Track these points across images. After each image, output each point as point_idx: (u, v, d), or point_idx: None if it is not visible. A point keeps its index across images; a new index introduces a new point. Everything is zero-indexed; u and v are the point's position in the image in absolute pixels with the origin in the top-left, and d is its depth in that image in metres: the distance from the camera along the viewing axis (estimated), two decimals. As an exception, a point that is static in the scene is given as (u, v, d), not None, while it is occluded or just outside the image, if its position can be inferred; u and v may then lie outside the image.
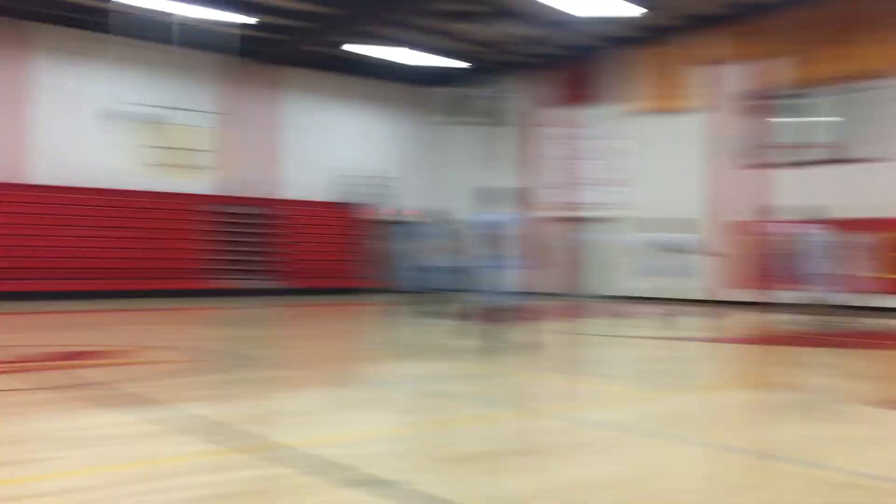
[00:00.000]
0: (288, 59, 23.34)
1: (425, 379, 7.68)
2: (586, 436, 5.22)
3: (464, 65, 23.96)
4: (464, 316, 11.66)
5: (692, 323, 14.02)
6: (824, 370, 8.68)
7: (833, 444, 4.88)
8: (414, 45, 22.12)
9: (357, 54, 22.57)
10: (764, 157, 15.02)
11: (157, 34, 19.99)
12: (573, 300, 20.01)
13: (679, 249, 12.00)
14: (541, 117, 24.02)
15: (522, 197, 9.67)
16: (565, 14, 18.19)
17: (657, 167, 21.01)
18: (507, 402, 6.60)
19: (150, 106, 20.66)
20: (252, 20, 19.26)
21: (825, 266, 13.12)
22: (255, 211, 22.55)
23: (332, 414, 5.80)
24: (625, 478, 4.12)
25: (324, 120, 24.79)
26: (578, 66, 22.83)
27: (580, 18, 18.49)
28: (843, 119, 14.36)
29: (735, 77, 19.38)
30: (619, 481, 4.05)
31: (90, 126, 20.14)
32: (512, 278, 9.18)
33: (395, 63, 23.48)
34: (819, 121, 14.64)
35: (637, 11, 17.91)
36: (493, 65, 24.16)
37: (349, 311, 17.71)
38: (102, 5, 18.32)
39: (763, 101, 15.30)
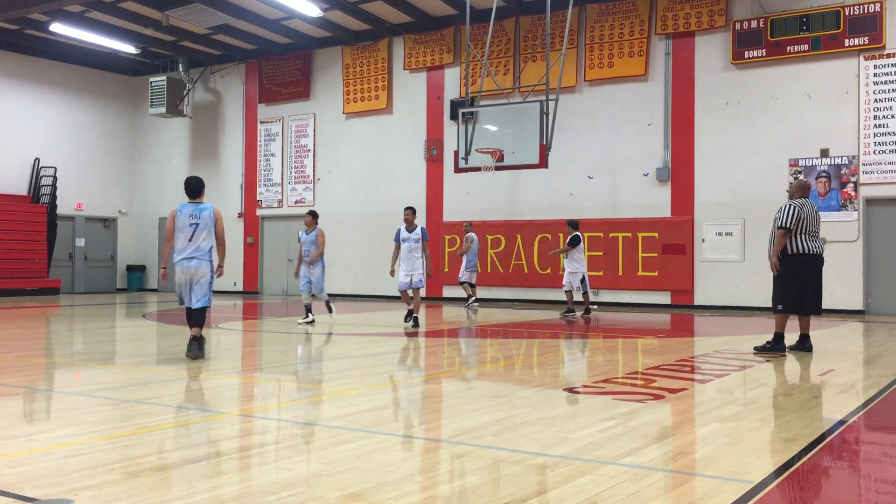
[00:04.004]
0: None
1: (106, 387, 7.06)
2: (277, 435, 5.08)
3: (168, 54, 23.06)
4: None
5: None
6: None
7: (507, 426, 5.19)
8: (116, 32, 20.80)
9: (54, 35, 20.66)
10: (469, 161, 15.96)
11: None
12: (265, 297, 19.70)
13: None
14: (249, 112, 23.54)
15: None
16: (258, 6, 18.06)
17: (372, 167, 21.44)
18: (194, 405, 6.25)
19: None
20: None
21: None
22: None
23: (0, 430, 5.10)
24: (315, 473, 4.04)
25: (6, 104, 22.23)
26: (286, 62, 22.66)
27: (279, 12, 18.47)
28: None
29: (443, 83, 20.36)
30: (303, 478, 3.96)
31: None
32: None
33: (96, 48, 21.91)
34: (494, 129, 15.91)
35: (314, 11, 18.46)
36: (193, 56, 23.40)
37: (28, 315, 15.94)
38: None
39: (467, 108, 16.22)
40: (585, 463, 4.20)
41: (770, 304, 9.49)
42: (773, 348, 9.18)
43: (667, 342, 10.94)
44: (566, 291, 15.11)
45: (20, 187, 22.37)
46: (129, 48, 22.07)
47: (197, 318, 8.52)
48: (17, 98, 22.56)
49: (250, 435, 5.07)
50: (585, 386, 6.95)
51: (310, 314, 13.17)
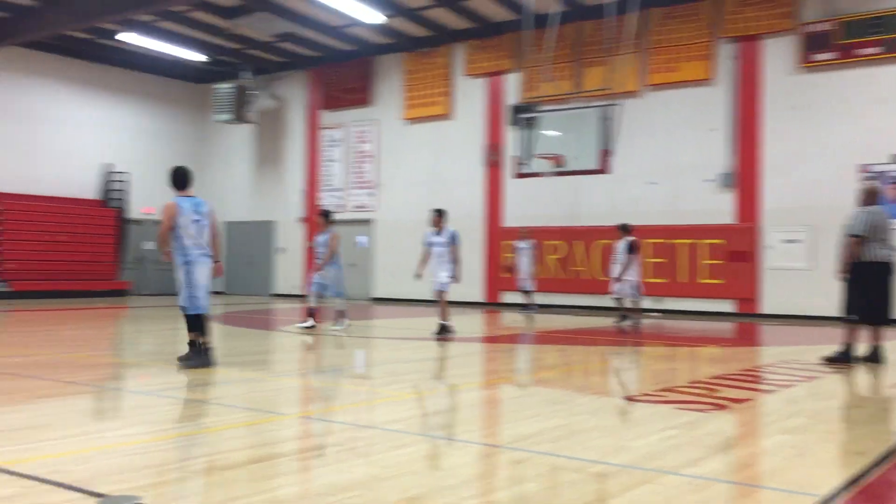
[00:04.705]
0: (43, 45, 21.50)
1: (172, 387, 7.23)
2: (336, 438, 5.13)
3: (233, 62, 23.60)
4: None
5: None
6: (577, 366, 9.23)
7: (564, 433, 5.15)
8: (184, 41, 21.42)
9: (125, 44, 21.36)
10: (530, 166, 15.92)
11: None
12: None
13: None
14: (311, 119, 23.88)
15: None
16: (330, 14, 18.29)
17: (432, 172, 21.54)
18: (255, 407, 6.36)
19: None
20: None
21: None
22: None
23: (71, 427, 5.27)
24: (374, 477, 4.08)
25: (79, 111, 22.99)
26: (348, 68, 22.92)
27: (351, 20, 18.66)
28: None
29: (503, 88, 20.37)
30: (367, 480, 4.00)
31: None
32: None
33: (165, 56, 22.57)
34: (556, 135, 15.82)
35: (378, 18, 18.59)
36: (258, 63, 23.84)
37: (98, 316, 16.42)
38: None
39: (526, 114, 16.21)
40: (645, 472, 4.14)
41: (839, 314, 9.23)
42: (842, 359, 8.92)
43: (730, 351, 10.72)
44: (616, 299, 14.30)
45: (91, 192, 23.08)
46: (197, 56, 22.60)
47: (207, 323, 8.12)
48: (89, 105, 23.29)
49: (309, 437, 5.13)
50: (645, 394, 6.85)
51: (310, 318, 12.33)
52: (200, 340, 7.97)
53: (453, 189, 20.90)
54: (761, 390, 7.23)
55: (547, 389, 7.32)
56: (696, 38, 17.75)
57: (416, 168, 21.69)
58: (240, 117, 23.50)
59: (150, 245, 24.73)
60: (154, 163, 24.88)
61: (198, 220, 7.99)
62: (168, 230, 7.96)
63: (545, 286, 19.19)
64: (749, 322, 15.98)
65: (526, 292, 17.39)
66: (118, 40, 21.18)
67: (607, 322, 15.41)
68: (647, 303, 17.87)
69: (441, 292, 11.74)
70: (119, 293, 22.29)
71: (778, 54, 16.98)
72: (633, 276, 14.15)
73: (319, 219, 12.73)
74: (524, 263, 17.30)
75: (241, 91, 23.50)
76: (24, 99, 21.78)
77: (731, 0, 17.34)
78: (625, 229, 14.36)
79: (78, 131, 22.92)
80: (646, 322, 14.64)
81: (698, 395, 6.77)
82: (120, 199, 23.36)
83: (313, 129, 23.80)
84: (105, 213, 22.81)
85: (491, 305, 19.71)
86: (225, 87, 23.31)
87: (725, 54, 17.57)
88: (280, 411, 6.13)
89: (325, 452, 4.69)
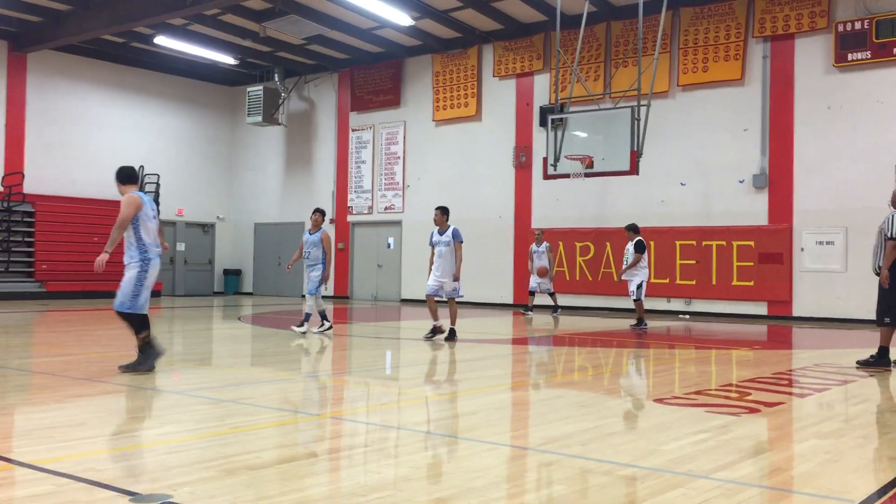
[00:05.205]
0: (78, 49, 21.87)
1: (203, 387, 7.30)
2: (365, 438, 5.15)
3: (264, 64, 23.85)
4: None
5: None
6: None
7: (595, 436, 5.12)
8: (216, 44, 21.67)
9: (158, 48, 21.63)
10: (558, 167, 15.85)
11: None
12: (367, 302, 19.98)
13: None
14: (341, 120, 24.00)
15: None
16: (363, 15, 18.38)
17: (461, 174, 21.55)
18: (285, 407, 6.40)
19: None
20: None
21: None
22: (21, 208, 20.76)
23: (104, 426, 5.34)
24: (403, 477, 4.09)
25: (112, 114, 23.31)
26: (377, 70, 23.00)
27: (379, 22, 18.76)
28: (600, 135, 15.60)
29: (532, 89, 20.32)
30: (396, 481, 4.01)
31: None
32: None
33: (198, 60, 22.86)
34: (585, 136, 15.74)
35: (406, 20, 18.72)
36: (288, 66, 24.03)
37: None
38: None
39: (555, 115, 16.15)
40: (676, 476, 4.11)
41: (874, 317, 9.08)
42: (878, 362, 8.77)
43: (763, 354, 10.59)
44: (635, 301, 14.04)
45: (125, 194, 23.38)
46: (228, 59, 22.82)
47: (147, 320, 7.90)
48: (124, 108, 23.61)
49: (340, 437, 5.15)
50: (676, 397, 6.79)
51: (325, 321, 12.20)
52: (148, 339, 7.75)
53: (482, 190, 20.89)
54: (794, 394, 7.13)
55: (576, 392, 7.28)
56: (728, 38, 17.58)
57: (444, 169, 21.71)
58: (270, 120, 23.70)
59: (181, 246, 25.01)
60: (186, 165, 25.22)
61: (155, 218, 7.92)
62: (128, 223, 7.67)
63: (574, 288, 19.13)
64: (781, 325, 15.79)
65: (550, 294, 17.30)
66: (151, 44, 21.46)
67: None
68: (676, 304, 17.81)
69: (452, 299, 11.49)
70: (152, 294, 22.54)
71: (811, 53, 16.77)
72: (639, 276, 13.96)
73: (314, 216, 12.44)
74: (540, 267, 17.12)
75: (271, 93, 23.68)
76: (59, 102, 22.13)
77: (763, -1, 17.18)
78: (633, 230, 14.27)
79: (111, 134, 23.24)
80: (670, 325, 14.51)
81: (730, 398, 6.70)
82: (153, 200, 23.63)
83: (343, 130, 23.92)
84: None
85: (521, 307, 19.66)
86: (256, 90, 23.51)
87: (758, 54, 17.38)
88: (310, 411, 6.16)
89: (355, 453, 4.71)
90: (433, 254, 11.66)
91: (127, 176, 7.97)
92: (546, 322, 15.73)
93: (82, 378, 7.29)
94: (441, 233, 11.50)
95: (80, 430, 5.12)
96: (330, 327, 12.28)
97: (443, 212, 11.55)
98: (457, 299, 11.58)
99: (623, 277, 14.35)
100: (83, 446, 4.63)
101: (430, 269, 11.69)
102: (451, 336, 11.35)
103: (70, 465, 4.14)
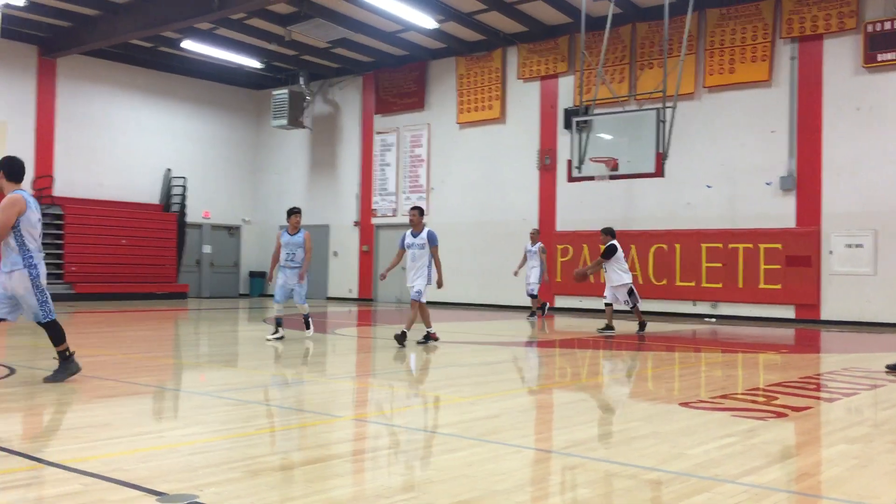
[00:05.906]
0: (105, 53, 22.14)
1: (229, 388, 7.36)
2: (389, 440, 5.16)
3: (289, 68, 24.02)
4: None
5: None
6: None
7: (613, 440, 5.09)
8: (241, 48, 21.89)
9: (185, 52, 21.87)
10: (582, 170, 15.78)
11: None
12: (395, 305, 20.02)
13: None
14: (365, 123, 24.09)
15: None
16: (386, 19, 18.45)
17: (485, 176, 21.54)
18: (310, 409, 6.43)
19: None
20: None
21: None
22: (51, 211, 21.03)
23: (132, 426, 5.40)
24: (427, 479, 4.09)
25: (139, 117, 23.58)
26: (402, 73, 23.06)
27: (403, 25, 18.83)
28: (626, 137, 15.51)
29: (556, 92, 20.28)
30: (421, 483, 4.01)
31: None
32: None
33: (224, 64, 23.09)
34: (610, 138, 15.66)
35: (430, 23, 18.72)
36: (313, 69, 24.16)
37: (157, 318, 16.79)
38: None
39: (580, 117, 16.10)
40: (702, 480, 4.07)
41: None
42: (908, 367, 8.65)
43: (790, 358, 10.48)
44: (606, 304, 13.94)
45: (153, 196, 23.62)
46: (254, 63, 22.99)
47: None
48: (152, 112, 23.86)
49: (364, 439, 5.17)
50: (702, 401, 6.73)
51: (280, 329, 11.50)
52: (68, 350, 7.05)
53: (507, 193, 20.87)
54: (822, 398, 7.05)
55: (600, 395, 7.24)
56: (755, 39, 17.43)
57: (468, 172, 21.71)
58: (295, 123, 23.83)
59: (207, 249, 25.21)
60: (212, 168, 25.42)
61: (40, 220, 6.95)
62: (8, 229, 6.63)
63: (599, 290, 19.01)
64: (809, 328, 15.61)
65: (532, 296, 16.83)
66: (178, 48, 21.69)
67: (666, 327, 15.20)
68: (702, 308, 17.67)
69: (414, 301, 11.07)
70: (178, 296, 22.76)
71: (840, 54, 16.58)
72: (615, 280, 13.69)
73: (293, 217, 11.96)
74: (533, 268, 16.71)
75: (296, 97, 23.82)
76: (87, 106, 22.41)
77: (790, -1, 17.01)
78: (609, 233, 14.05)
79: (139, 137, 23.49)
80: (696, 328, 14.39)
81: (757, 402, 6.63)
82: (180, 203, 23.85)
83: (367, 133, 23.99)
84: (166, 218, 23.31)
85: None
86: (281, 93, 23.65)
87: (786, 55, 17.21)
88: (335, 413, 6.19)
89: (379, 455, 4.72)
90: (399, 256, 11.27)
91: (11, 171, 6.79)
92: (567, 325, 15.66)
93: (109, 379, 7.37)
94: (415, 235, 11.03)
95: (107, 430, 5.18)
96: (281, 337, 11.44)
97: (420, 213, 11.11)
98: (422, 301, 11.10)
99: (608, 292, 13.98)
100: (110, 446, 4.69)
101: (387, 270, 11.41)
102: (402, 340, 10.80)
103: (97, 464, 4.19)
